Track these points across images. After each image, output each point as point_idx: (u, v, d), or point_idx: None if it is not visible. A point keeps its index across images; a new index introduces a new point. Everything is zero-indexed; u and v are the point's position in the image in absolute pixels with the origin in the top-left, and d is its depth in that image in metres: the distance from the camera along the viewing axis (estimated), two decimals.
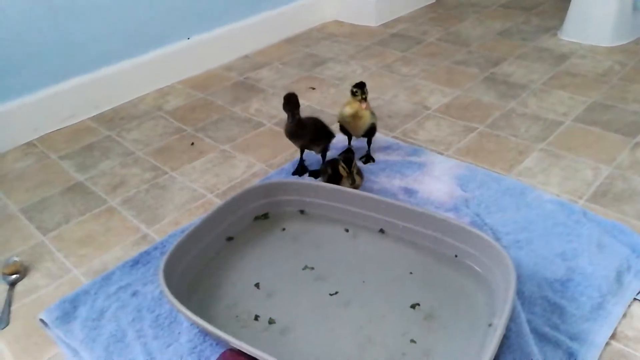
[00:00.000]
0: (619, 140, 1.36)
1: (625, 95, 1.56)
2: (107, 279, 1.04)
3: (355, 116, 1.25)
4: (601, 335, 0.87)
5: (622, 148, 1.33)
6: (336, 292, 0.96)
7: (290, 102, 1.17)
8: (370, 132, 1.29)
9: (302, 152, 1.29)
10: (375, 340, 0.88)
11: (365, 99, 1.23)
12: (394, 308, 0.93)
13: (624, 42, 1.87)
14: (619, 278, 0.96)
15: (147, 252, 1.09)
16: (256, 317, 0.92)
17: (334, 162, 1.17)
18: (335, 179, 1.15)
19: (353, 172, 1.13)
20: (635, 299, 0.93)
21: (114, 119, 1.64)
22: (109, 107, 1.70)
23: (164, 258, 0.93)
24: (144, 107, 1.70)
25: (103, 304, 0.98)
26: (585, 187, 1.21)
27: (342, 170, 1.13)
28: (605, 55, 1.81)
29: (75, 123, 1.63)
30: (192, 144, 1.49)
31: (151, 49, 1.77)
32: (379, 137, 1.39)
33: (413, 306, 0.93)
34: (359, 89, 1.23)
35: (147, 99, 1.75)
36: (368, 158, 1.33)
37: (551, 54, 1.85)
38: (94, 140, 1.54)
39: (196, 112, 1.65)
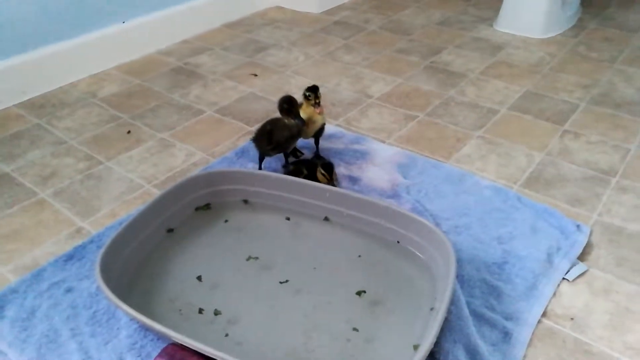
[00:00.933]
0: (549, 127, 1.43)
1: (555, 85, 1.63)
2: (37, 275, 0.98)
3: (309, 121, 1.21)
4: (533, 314, 0.91)
5: (553, 135, 1.39)
6: (286, 281, 0.96)
7: (296, 105, 1.15)
8: (319, 132, 1.26)
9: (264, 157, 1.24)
10: (320, 328, 0.88)
11: (318, 104, 1.18)
12: (339, 295, 0.93)
13: (554, 34, 1.96)
14: (549, 259, 1.01)
15: (82, 246, 1.05)
16: (200, 310, 0.91)
17: (308, 163, 1.14)
18: (311, 179, 1.11)
19: (333, 178, 1.10)
20: (563, 278, 0.99)
21: (44, 106, 1.55)
22: (38, 94, 1.60)
23: (101, 252, 0.89)
24: (77, 93, 1.62)
25: (34, 302, 0.93)
26: (519, 173, 1.26)
27: (322, 177, 1.09)
28: (537, 46, 1.89)
29: (0, 110, 1.53)
30: (129, 132, 1.43)
31: (83, 32, 1.68)
32: None
33: (359, 293, 0.94)
34: (312, 93, 1.18)
35: (80, 85, 1.66)
36: (319, 158, 1.28)
37: (488, 44, 1.91)
38: (21, 128, 1.45)
39: (133, 99, 1.59)
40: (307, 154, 1.31)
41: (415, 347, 0.83)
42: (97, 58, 1.73)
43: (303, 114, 1.20)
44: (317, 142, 1.29)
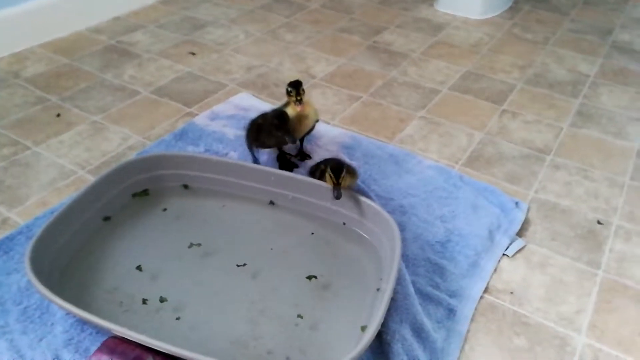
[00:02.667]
0: (489, 107, 1.46)
1: (494, 65, 1.67)
2: None
3: (300, 117, 1.10)
4: (476, 290, 0.94)
5: (492, 115, 1.43)
6: (244, 264, 0.94)
7: (287, 121, 1.08)
8: (309, 130, 1.17)
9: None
10: (268, 314, 0.87)
11: (300, 101, 1.06)
12: (286, 280, 0.92)
13: (492, 15, 2.00)
14: (490, 236, 1.04)
15: (9, 238, 0.98)
16: (144, 301, 0.87)
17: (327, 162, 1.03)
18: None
19: (340, 184, 0.96)
20: (503, 254, 1.02)
21: None
22: None
23: (31, 243, 0.84)
24: None
25: None
26: (460, 153, 1.28)
27: (329, 179, 0.97)
28: (476, 27, 1.92)
29: None
30: (59, 115, 1.34)
31: (2, 6, 1.55)
32: (268, 107, 1.36)
33: (309, 277, 0.93)
34: (294, 89, 1.06)
35: (0, 64, 1.54)
36: (304, 155, 1.22)
37: (428, 24, 1.92)
38: None
39: (61, 80, 1.49)
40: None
41: (363, 329, 0.83)
42: (19, 35, 1.60)
43: (291, 111, 1.10)
44: (302, 140, 1.21)
